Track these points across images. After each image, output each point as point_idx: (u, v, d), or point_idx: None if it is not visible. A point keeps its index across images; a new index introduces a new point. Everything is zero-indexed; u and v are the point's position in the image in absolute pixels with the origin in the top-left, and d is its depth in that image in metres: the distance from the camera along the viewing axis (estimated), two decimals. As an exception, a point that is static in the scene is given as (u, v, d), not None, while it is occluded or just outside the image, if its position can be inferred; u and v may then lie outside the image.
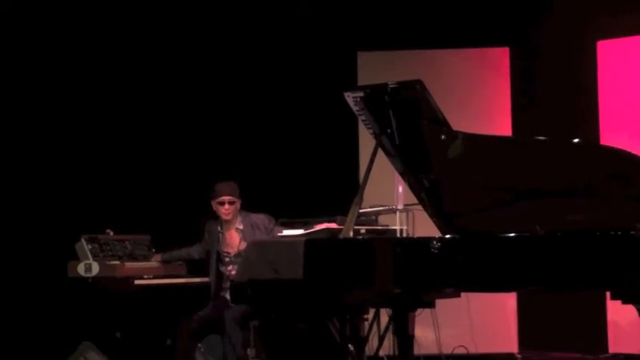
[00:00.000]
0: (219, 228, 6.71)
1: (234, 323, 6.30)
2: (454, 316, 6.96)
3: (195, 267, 7.04)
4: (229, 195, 6.61)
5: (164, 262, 7.02)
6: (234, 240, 6.67)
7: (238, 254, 6.49)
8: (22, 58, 7.46)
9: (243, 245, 6.39)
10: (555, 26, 7.92)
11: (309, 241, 5.14)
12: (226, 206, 6.60)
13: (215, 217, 6.72)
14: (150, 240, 7.19)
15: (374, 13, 8.24)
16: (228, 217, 6.63)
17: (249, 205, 6.75)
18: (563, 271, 4.64)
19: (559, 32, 7.94)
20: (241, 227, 6.66)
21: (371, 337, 6.38)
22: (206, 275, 6.81)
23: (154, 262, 7.02)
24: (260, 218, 6.66)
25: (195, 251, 6.92)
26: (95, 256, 6.78)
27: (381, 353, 6.60)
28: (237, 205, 6.64)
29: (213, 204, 6.64)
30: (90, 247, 6.80)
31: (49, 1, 7.52)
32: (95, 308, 6.78)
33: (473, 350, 7.53)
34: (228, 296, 6.42)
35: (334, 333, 6.05)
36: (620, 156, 4.82)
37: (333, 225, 5.84)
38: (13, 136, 7.46)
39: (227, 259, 6.67)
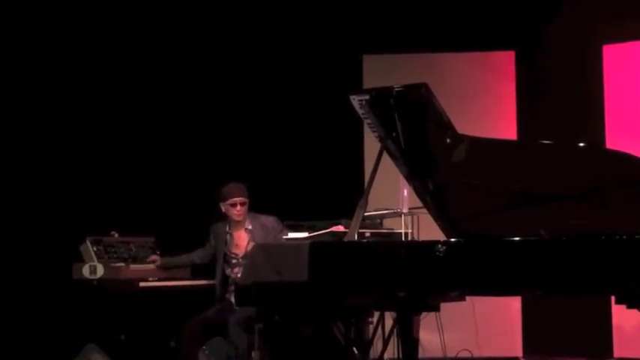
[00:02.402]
0: (227, 229, 6.71)
1: (238, 328, 6.29)
2: (459, 319, 6.96)
3: (200, 269, 7.03)
4: (241, 196, 6.61)
5: (162, 267, 6.98)
6: (242, 241, 6.67)
7: (246, 256, 6.48)
8: (24, 58, 7.47)
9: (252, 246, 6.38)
10: (561, 30, 7.92)
11: (314, 243, 5.14)
12: (238, 207, 6.60)
13: (222, 218, 6.72)
14: (154, 242, 7.18)
15: (379, 17, 8.24)
16: (240, 218, 6.63)
17: (254, 208, 6.74)
18: (567, 276, 4.63)
19: (565, 36, 7.93)
20: (250, 228, 6.66)
21: (375, 340, 6.38)
22: (210, 278, 6.80)
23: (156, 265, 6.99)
24: (270, 220, 6.66)
25: (196, 256, 6.88)
26: (100, 258, 6.78)
27: (386, 356, 6.60)
28: (247, 205, 6.65)
29: (224, 206, 6.64)
30: (95, 249, 6.80)
31: (49, 1, 7.52)
32: (99, 310, 6.79)
33: (477, 354, 7.52)
34: (232, 299, 6.42)
35: (338, 336, 6.05)
36: (625, 160, 4.81)
37: (339, 228, 5.84)
38: (18, 138, 7.47)
39: (234, 261, 6.66)
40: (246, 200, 6.63)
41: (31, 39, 7.50)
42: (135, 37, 7.86)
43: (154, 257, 6.99)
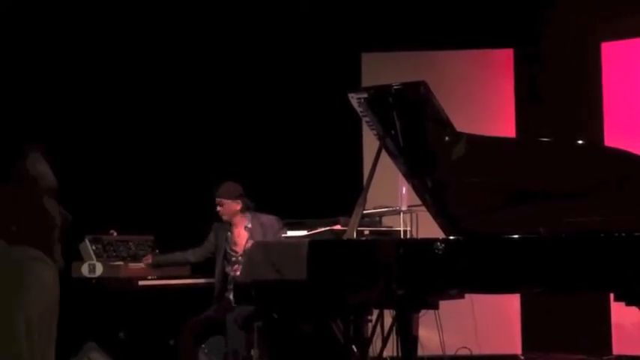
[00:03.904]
0: (227, 226, 6.72)
1: (235, 326, 6.30)
2: (458, 317, 6.96)
3: (199, 268, 7.03)
4: (216, 197, 6.64)
5: (155, 265, 6.94)
6: (242, 239, 6.67)
7: (245, 253, 6.48)
8: (23, 58, 7.46)
9: (250, 244, 6.39)
10: (559, 28, 7.92)
11: (313, 242, 5.14)
12: (217, 208, 6.64)
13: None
14: (153, 241, 7.18)
15: (377, 15, 8.24)
16: (224, 218, 6.65)
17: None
18: (567, 273, 4.64)
19: (563, 34, 7.94)
20: (250, 226, 6.66)
21: (374, 338, 6.38)
22: (209, 276, 6.81)
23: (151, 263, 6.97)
24: (269, 219, 6.66)
25: (191, 254, 6.84)
26: (99, 257, 6.78)
27: (385, 354, 6.60)
28: (230, 206, 6.63)
29: None
30: (94, 247, 6.80)
31: (49, 1, 7.52)
32: (99, 309, 6.78)
33: (476, 351, 7.52)
34: (231, 297, 6.42)
35: (338, 334, 6.05)
36: (624, 157, 4.82)
37: (337, 226, 5.84)
38: (16, 137, 7.46)
39: (233, 259, 6.67)
40: (222, 201, 6.62)
41: (30, 39, 7.50)
42: (134, 36, 7.86)
43: (147, 257, 6.97)
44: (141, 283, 6.74)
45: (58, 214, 2.43)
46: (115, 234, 7.03)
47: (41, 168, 2.33)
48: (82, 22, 7.68)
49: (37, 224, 2.31)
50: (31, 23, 7.50)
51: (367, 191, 5.20)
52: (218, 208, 6.66)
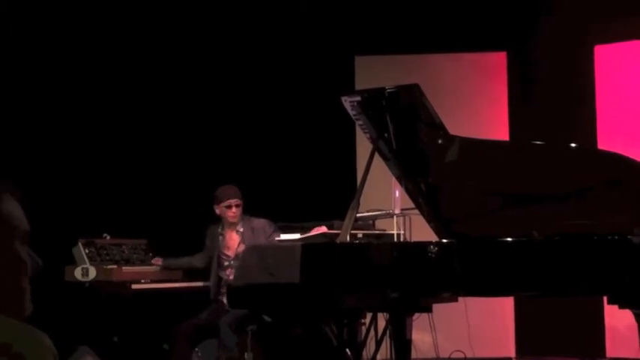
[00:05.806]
0: (219, 230, 6.73)
1: (228, 328, 6.31)
2: (451, 320, 6.97)
3: (193, 271, 7.03)
4: (235, 198, 6.65)
5: (165, 267, 6.98)
6: (233, 242, 6.68)
7: (237, 257, 6.49)
8: (19, 60, 7.45)
9: (242, 247, 6.40)
10: (553, 31, 7.93)
11: (306, 245, 5.14)
12: (233, 209, 6.63)
13: (215, 221, 6.73)
14: (147, 244, 7.17)
15: (371, 18, 8.24)
16: (235, 220, 6.66)
17: (246, 210, 6.75)
18: (560, 276, 4.64)
19: (556, 37, 7.94)
20: (242, 230, 6.67)
21: (368, 341, 6.38)
22: (203, 280, 6.81)
23: (151, 267, 6.98)
24: (261, 222, 6.67)
25: (197, 260, 6.89)
26: (92, 261, 6.76)
27: (378, 358, 6.60)
28: (242, 207, 6.68)
29: (219, 208, 6.66)
30: (87, 251, 6.78)
31: (49, 1, 7.52)
32: (92, 312, 6.77)
33: (470, 355, 7.53)
34: (225, 301, 6.42)
35: (331, 337, 6.05)
36: (617, 160, 4.82)
37: (321, 229, 5.84)
38: (11, 139, 7.45)
39: (226, 263, 6.67)
40: (240, 202, 6.66)
41: (28, 39, 7.49)
42: (131, 39, 7.85)
43: (157, 260, 7.00)
44: (134, 286, 6.74)
45: (29, 260, 2.21)
46: (108, 237, 7.01)
47: (13, 210, 2.10)
48: (77, 23, 7.66)
49: (8, 270, 2.06)
50: (31, 23, 7.49)
51: (360, 194, 5.19)
52: (234, 210, 6.64)
